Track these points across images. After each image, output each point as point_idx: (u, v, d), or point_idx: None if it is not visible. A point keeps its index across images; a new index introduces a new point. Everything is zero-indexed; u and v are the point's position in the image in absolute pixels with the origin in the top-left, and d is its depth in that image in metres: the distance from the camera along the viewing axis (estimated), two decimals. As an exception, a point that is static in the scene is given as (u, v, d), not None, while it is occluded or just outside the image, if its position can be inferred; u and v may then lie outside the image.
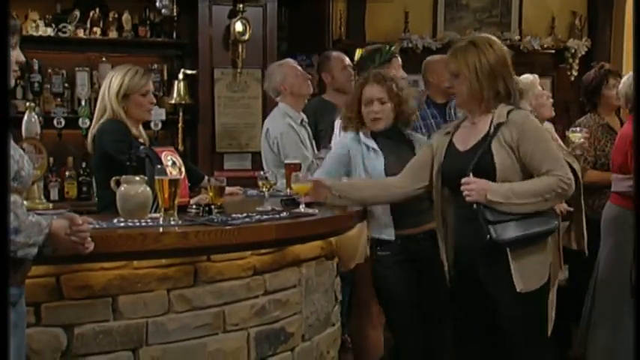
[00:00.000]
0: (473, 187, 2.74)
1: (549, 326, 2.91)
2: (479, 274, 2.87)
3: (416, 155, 3.19)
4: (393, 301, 3.30)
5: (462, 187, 2.76)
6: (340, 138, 3.45)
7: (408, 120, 3.36)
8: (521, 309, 2.80)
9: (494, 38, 2.94)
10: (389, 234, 3.25)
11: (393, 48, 4.03)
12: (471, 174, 2.76)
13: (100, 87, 5.23)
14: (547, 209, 2.79)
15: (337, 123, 4.01)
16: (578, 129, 3.96)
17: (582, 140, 3.82)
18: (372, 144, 3.31)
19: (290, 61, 4.49)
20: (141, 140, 3.39)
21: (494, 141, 2.78)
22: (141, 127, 3.48)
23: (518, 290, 2.76)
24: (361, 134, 3.35)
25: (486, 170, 2.77)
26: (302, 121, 4.31)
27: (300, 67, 4.45)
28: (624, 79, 3.88)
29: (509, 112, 2.83)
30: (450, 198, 2.95)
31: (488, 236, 2.72)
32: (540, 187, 2.75)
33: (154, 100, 3.49)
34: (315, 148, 4.30)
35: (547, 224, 2.79)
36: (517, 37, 6.57)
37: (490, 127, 2.82)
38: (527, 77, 4.06)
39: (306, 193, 3.06)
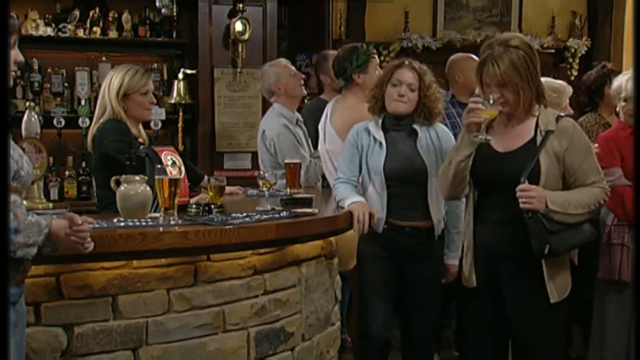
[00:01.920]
0: (533, 194, 2.65)
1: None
2: (503, 282, 2.82)
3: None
4: (365, 277, 3.33)
5: (520, 194, 2.67)
6: (353, 129, 3.44)
7: (429, 117, 3.32)
8: (547, 319, 2.77)
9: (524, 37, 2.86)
10: (377, 225, 3.26)
11: (370, 48, 4.03)
12: (527, 181, 2.69)
13: (100, 86, 5.27)
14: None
15: (321, 126, 4.01)
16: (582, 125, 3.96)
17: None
18: (380, 136, 3.30)
19: (283, 60, 4.48)
20: (140, 140, 3.39)
21: (543, 149, 2.72)
22: (140, 127, 3.48)
23: (552, 301, 2.73)
24: (371, 125, 3.35)
25: (532, 177, 2.71)
26: (297, 120, 4.31)
27: (293, 67, 4.44)
28: (616, 79, 3.84)
29: (557, 119, 2.77)
30: (478, 200, 2.87)
31: (548, 247, 2.66)
32: (589, 199, 2.74)
33: (154, 100, 3.49)
34: (311, 148, 4.30)
35: (588, 232, 2.78)
36: (517, 37, 6.56)
37: (536, 133, 2.76)
38: (562, 84, 4.08)
39: None
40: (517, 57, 2.71)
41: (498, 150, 2.82)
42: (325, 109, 4.06)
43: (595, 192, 2.76)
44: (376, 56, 4.03)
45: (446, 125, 4.34)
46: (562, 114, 2.84)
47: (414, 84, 3.27)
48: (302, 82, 4.40)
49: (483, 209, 2.86)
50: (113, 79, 3.36)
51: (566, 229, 2.70)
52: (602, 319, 3.62)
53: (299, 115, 4.37)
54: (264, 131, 4.28)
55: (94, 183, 5.14)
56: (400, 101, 3.26)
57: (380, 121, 3.34)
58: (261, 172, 3.28)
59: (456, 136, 4.39)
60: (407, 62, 3.33)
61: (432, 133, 3.33)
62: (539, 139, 2.76)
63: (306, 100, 5.22)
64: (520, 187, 2.68)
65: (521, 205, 2.66)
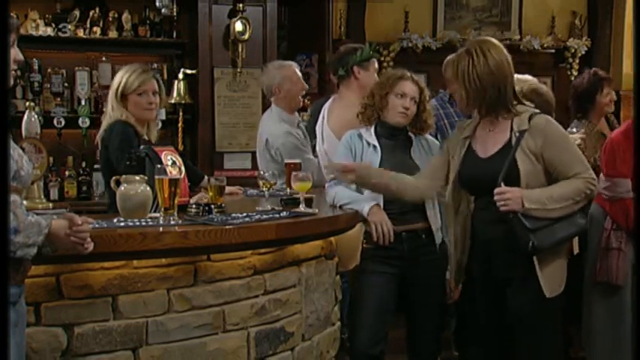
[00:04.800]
0: (509, 196, 2.71)
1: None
2: (499, 277, 2.86)
3: (433, 159, 3.23)
4: (359, 292, 3.33)
5: (497, 198, 2.74)
6: (346, 134, 3.44)
7: (422, 129, 3.39)
8: (542, 314, 2.79)
9: (492, 43, 2.89)
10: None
11: (375, 47, 4.02)
12: (502, 183, 2.74)
13: (99, 86, 5.29)
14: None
15: (318, 127, 4.00)
16: (575, 130, 3.94)
17: (579, 142, 3.82)
18: (373, 141, 3.33)
19: (293, 65, 4.37)
20: (146, 138, 3.38)
21: (518, 150, 2.77)
22: (152, 125, 3.47)
23: (547, 296, 2.74)
24: (363, 131, 3.36)
25: (511, 179, 2.76)
26: (298, 123, 4.28)
27: (300, 74, 4.34)
28: None
29: (530, 118, 2.80)
30: (470, 202, 2.93)
31: (531, 244, 2.70)
32: (571, 191, 2.76)
33: (153, 100, 3.43)
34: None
35: (577, 225, 2.80)
36: (517, 37, 6.57)
37: (511, 135, 2.81)
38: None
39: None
40: (463, 63, 2.84)
41: (480, 155, 2.91)
42: (322, 110, 4.04)
43: (577, 183, 2.77)
44: (376, 62, 4.02)
45: (443, 124, 4.36)
46: (537, 111, 2.87)
47: (416, 97, 3.32)
48: (303, 92, 4.34)
49: (477, 208, 2.91)
50: (115, 79, 3.40)
51: (551, 225, 2.73)
52: (590, 321, 3.63)
53: (298, 117, 4.34)
54: (267, 140, 4.14)
55: (93, 183, 5.16)
56: (405, 113, 3.30)
57: (372, 129, 3.36)
58: (262, 172, 3.27)
59: None
60: (408, 74, 3.36)
61: (424, 143, 3.40)
62: (514, 140, 2.80)
63: (306, 100, 5.21)
64: (496, 190, 2.75)
65: (500, 208, 2.73)
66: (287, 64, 4.38)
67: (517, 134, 2.79)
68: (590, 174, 2.81)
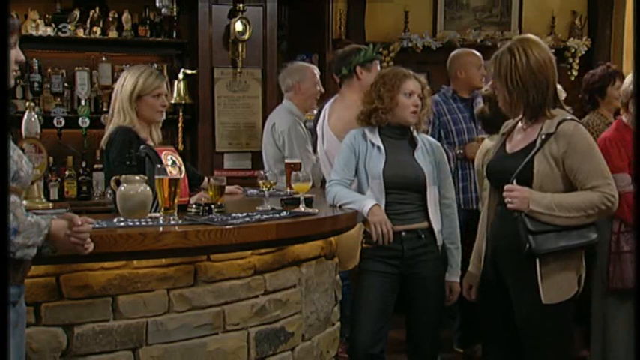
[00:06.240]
0: (516, 194, 2.72)
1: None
2: (504, 277, 2.86)
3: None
4: (359, 291, 3.32)
5: (505, 194, 2.75)
6: (350, 133, 3.43)
7: (419, 124, 3.39)
8: (544, 316, 2.76)
9: (534, 41, 2.85)
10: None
11: (379, 48, 4.05)
12: (514, 181, 2.75)
13: (99, 86, 5.28)
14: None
15: (319, 127, 4.01)
16: (585, 119, 3.95)
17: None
18: (377, 141, 3.31)
19: (314, 67, 4.53)
20: (150, 143, 3.36)
21: (539, 152, 2.75)
22: (153, 129, 3.46)
23: (543, 302, 2.72)
24: (367, 131, 3.35)
25: (524, 178, 2.75)
26: (305, 122, 4.34)
27: (319, 79, 4.44)
28: (626, 79, 3.84)
29: (559, 124, 2.76)
30: (493, 195, 2.96)
31: (527, 245, 2.69)
32: (583, 203, 2.71)
33: (166, 103, 3.46)
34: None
35: (585, 237, 2.76)
36: (517, 37, 6.56)
37: (538, 137, 2.79)
38: None
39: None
40: (505, 62, 2.81)
41: (507, 150, 2.92)
42: (323, 110, 4.06)
43: (592, 197, 2.71)
44: (378, 63, 4.04)
45: (446, 120, 4.37)
46: (569, 117, 2.82)
47: (420, 94, 3.32)
48: (318, 95, 4.40)
49: (498, 203, 2.92)
50: (127, 80, 3.36)
51: (554, 231, 2.71)
52: (608, 326, 3.60)
53: (305, 117, 4.39)
54: (273, 124, 4.30)
55: (93, 183, 5.16)
56: (416, 111, 3.30)
57: (376, 129, 3.35)
58: (262, 172, 3.28)
59: (457, 131, 4.42)
60: (410, 72, 3.35)
61: (427, 144, 3.39)
62: (539, 142, 2.78)
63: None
64: (506, 187, 2.77)
65: (507, 205, 2.75)
66: (309, 65, 4.57)
67: (543, 137, 2.76)
68: (611, 190, 2.72)
